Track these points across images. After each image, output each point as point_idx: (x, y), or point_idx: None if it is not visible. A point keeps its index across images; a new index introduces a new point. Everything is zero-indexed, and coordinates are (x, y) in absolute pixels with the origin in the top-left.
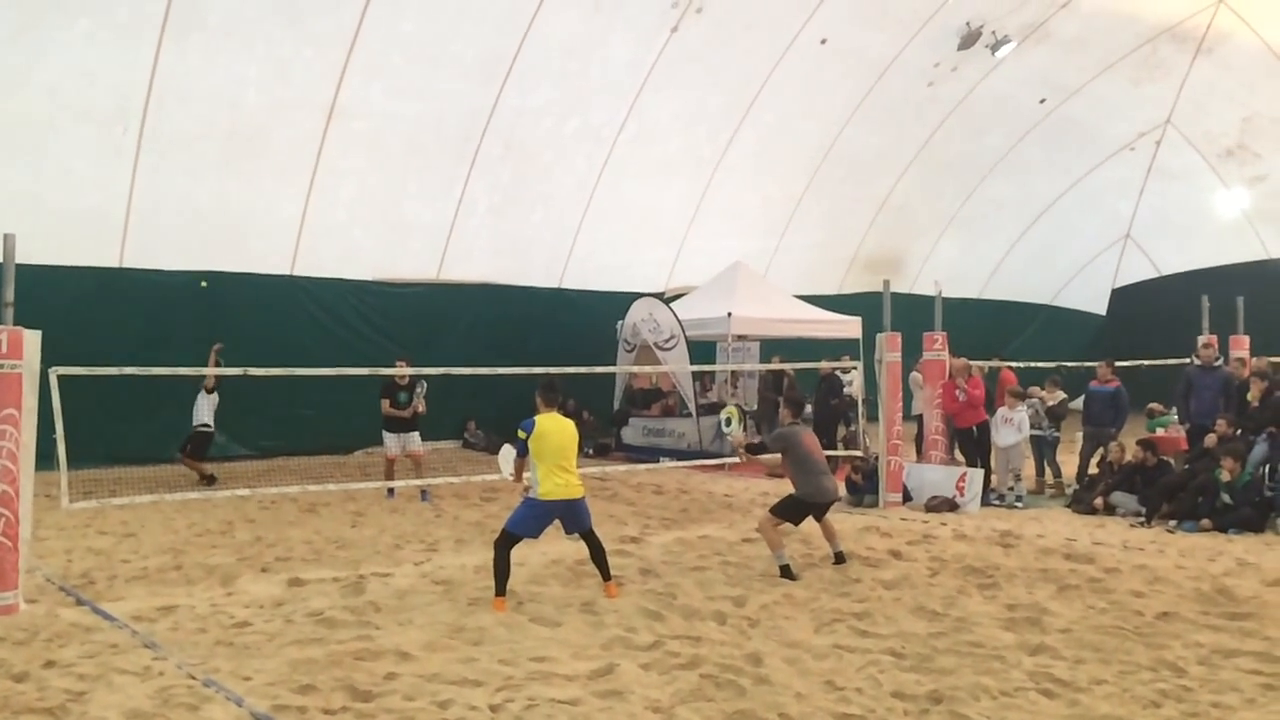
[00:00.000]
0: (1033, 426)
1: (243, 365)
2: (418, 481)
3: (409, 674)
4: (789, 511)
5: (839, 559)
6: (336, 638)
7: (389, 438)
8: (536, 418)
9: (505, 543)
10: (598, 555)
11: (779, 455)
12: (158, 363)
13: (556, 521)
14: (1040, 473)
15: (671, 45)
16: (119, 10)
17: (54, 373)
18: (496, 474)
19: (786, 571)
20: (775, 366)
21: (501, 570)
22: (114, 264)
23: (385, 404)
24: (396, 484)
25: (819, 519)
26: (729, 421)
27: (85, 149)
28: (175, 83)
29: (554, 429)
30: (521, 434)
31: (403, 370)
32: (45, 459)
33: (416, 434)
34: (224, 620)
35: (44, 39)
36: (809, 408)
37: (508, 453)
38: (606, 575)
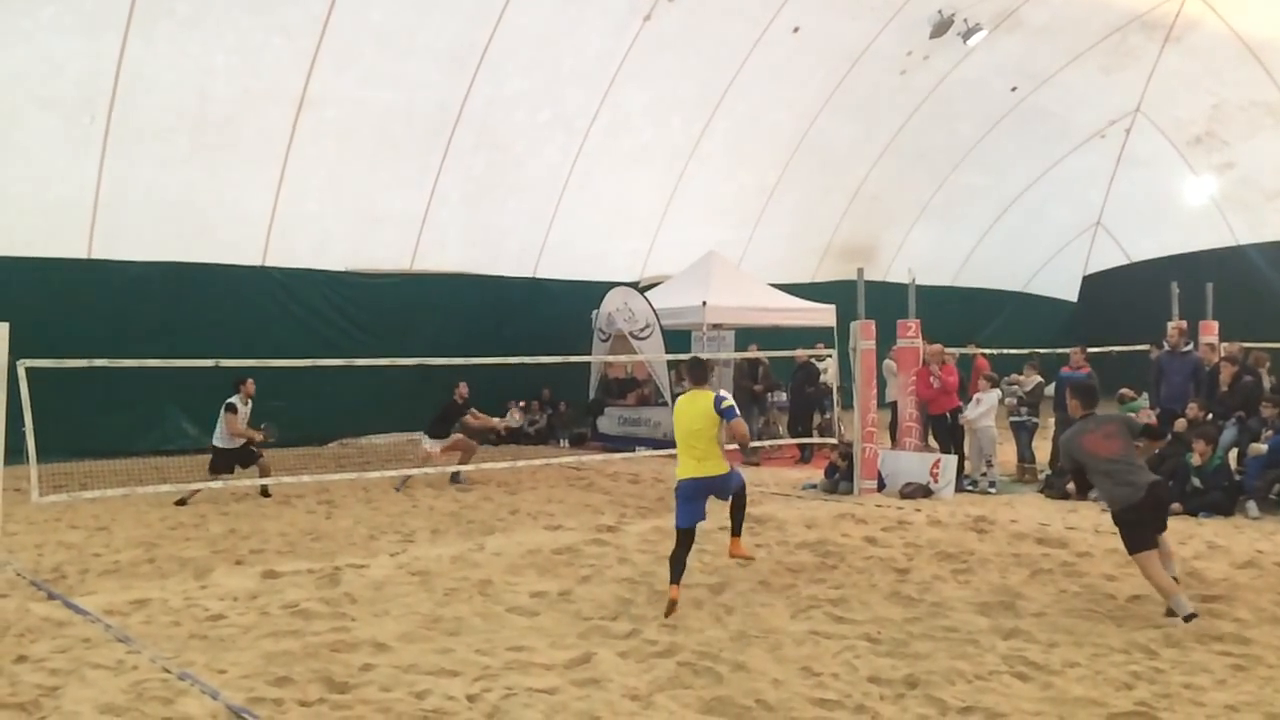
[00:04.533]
0: (1012, 413)
1: (214, 357)
2: (448, 468)
3: (385, 665)
4: None
5: None
6: (312, 630)
7: (429, 441)
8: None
9: (680, 542)
10: (736, 511)
11: None
12: (127, 355)
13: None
14: (1022, 459)
15: (644, 34)
16: None
17: (22, 365)
18: (471, 466)
19: None
20: (750, 355)
21: (676, 565)
22: (82, 255)
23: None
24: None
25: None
26: None
27: (52, 139)
28: (143, 71)
29: (681, 409)
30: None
31: (462, 391)
32: (15, 453)
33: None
34: (198, 613)
35: (8, 27)
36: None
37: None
38: (736, 531)
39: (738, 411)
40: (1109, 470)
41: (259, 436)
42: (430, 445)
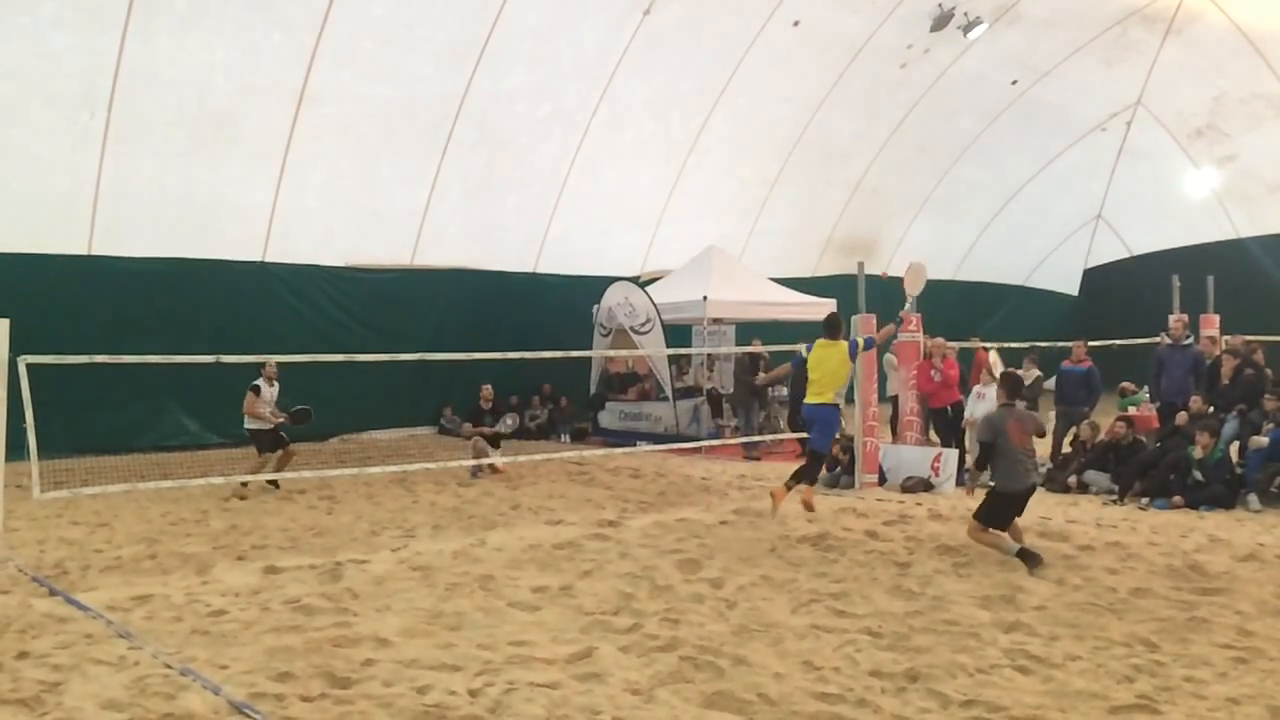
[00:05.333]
0: None
1: (215, 353)
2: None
3: (387, 660)
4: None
5: None
6: (314, 625)
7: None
8: (816, 343)
9: (814, 460)
10: (808, 467)
11: None
12: (128, 351)
13: None
14: None
15: (644, 28)
16: None
17: (23, 361)
18: (474, 461)
19: None
20: (751, 349)
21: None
22: (82, 251)
23: (468, 426)
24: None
25: None
26: None
27: (52, 134)
28: (143, 66)
29: (822, 354)
30: (804, 353)
31: (486, 394)
32: (16, 449)
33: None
34: (200, 609)
35: (7, 23)
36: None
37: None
38: (795, 481)
39: (865, 341)
40: (1016, 458)
41: (272, 419)
42: (494, 454)
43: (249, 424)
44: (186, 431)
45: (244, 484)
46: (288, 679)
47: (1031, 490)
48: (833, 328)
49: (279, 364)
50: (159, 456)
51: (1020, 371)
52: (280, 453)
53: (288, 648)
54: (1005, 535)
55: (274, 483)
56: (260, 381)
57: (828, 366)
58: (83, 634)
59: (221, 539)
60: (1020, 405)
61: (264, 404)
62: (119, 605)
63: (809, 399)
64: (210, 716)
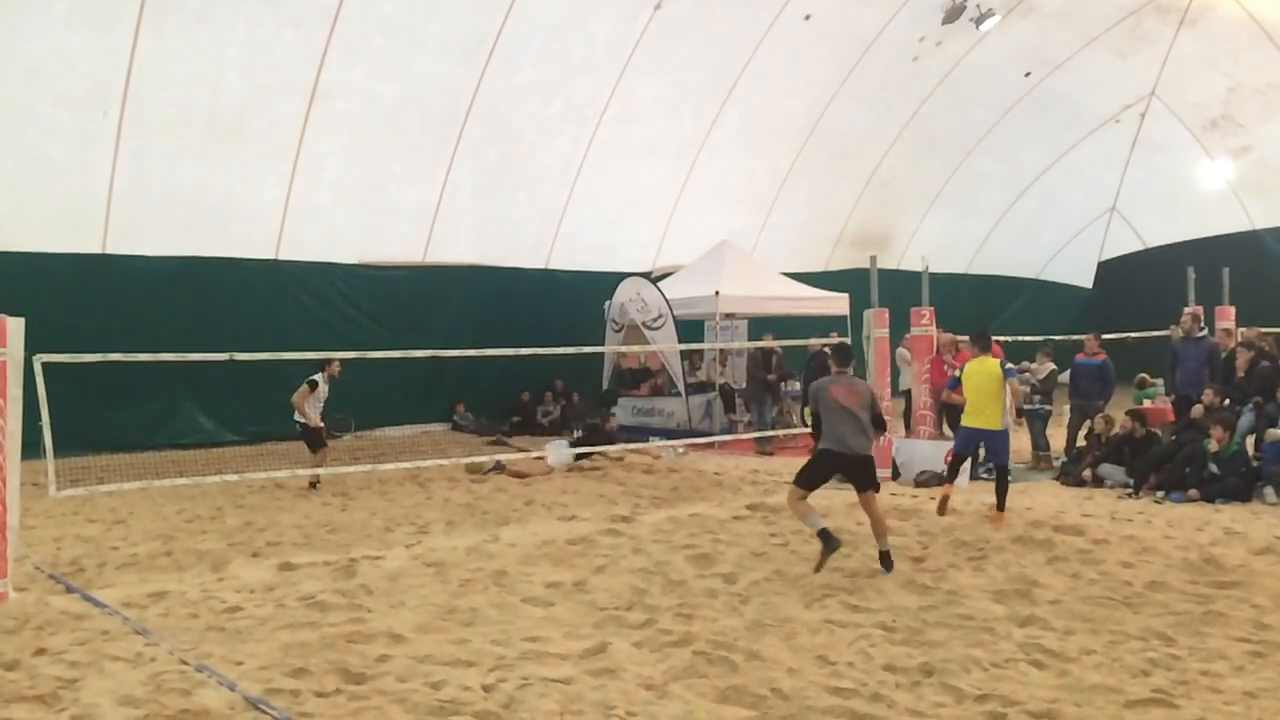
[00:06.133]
0: (1026, 400)
1: (229, 350)
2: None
3: (401, 656)
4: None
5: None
6: (328, 621)
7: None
8: (969, 363)
9: (955, 462)
10: (999, 486)
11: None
12: (142, 349)
13: None
14: (1036, 447)
15: (655, 23)
16: None
17: (38, 360)
18: (484, 456)
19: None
20: (764, 344)
21: (952, 468)
22: (96, 250)
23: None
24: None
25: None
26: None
27: (65, 134)
28: (155, 66)
29: (978, 371)
30: (956, 372)
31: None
32: (32, 447)
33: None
34: (215, 605)
35: (21, 23)
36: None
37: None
38: (1000, 506)
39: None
40: (841, 415)
41: (311, 420)
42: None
43: (298, 417)
44: (201, 429)
45: (313, 484)
46: (303, 675)
47: (859, 460)
48: (981, 341)
49: (291, 361)
50: (174, 454)
51: (1034, 365)
52: (318, 453)
53: (303, 644)
54: (813, 508)
55: (315, 481)
56: (319, 376)
57: (974, 384)
58: (99, 631)
59: (236, 536)
60: (850, 373)
61: (315, 400)
62: (135, 602)
63: (969, 423)
64: (226, 712)
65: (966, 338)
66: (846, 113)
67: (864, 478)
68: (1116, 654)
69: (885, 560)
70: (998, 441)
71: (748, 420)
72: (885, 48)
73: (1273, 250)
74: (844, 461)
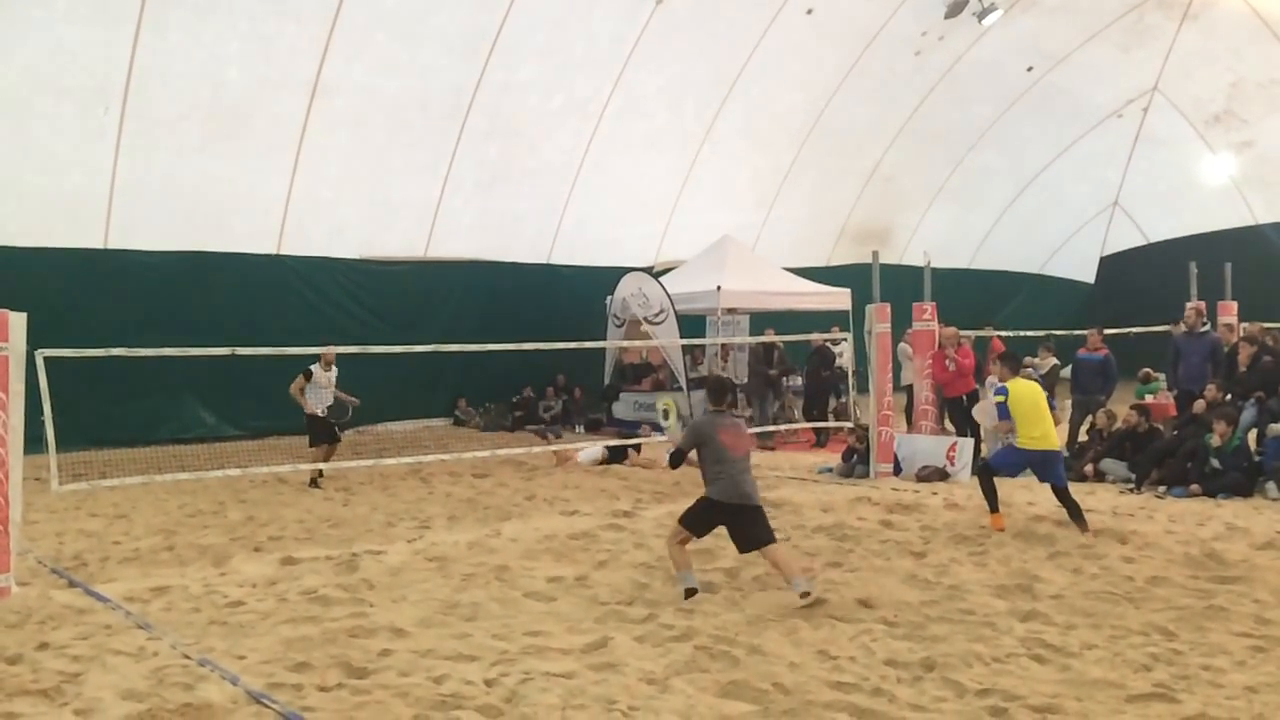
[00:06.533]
0: None
1: (231, 345)
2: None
3: (403, 650)
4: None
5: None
6: (330, 615)
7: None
8: (1008, 384)
9: (986, 473)
10: (1071, 510)
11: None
12: (144, 344)
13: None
14: None
15: (656, 18)
16: None
17: (40, 355)
18: (487, 451)
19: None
20: (765, 339)
21: (989, 490)
22: (98, 245)
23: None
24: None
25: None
26: (666, 414)
27: (67, 129)
28: (157, 61)
29: (1025, 392)
30: (999, 397)
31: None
32: (34, 442)
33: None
34: (218, 600)
35: (22, 17)
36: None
37: (989, 408)
38: (1082, 526)
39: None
40: (738, 465)
41: (309, 408)
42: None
43: (307, 410)
44: (203, 424)
45: (314, 482)
46: (305, 669)
47: (754, 511)
48: (1012, 363)
49: (293, 356)
50: (176, 449)
51: (1036, 359)
52: (327, 446)
53: (305, 638)
54: (688, 556)
55: (315, 477)
56: (315, 365)
57: (1029, 401)
58: (102, 625)
59: (239, 530)
60: (726, 410)
61: (313, 387)
62: (137, 596)
63: (1032, 445)
64: (228, 707)
65: (956, 331)
66: (849, 107)
67: (758, 529)
68: (1118, 649)
69: (806, 598)
70: (1056, 459)
71: (749, 415)
72: (888, 42)
73: (1275, 245)
74: (740, 514)
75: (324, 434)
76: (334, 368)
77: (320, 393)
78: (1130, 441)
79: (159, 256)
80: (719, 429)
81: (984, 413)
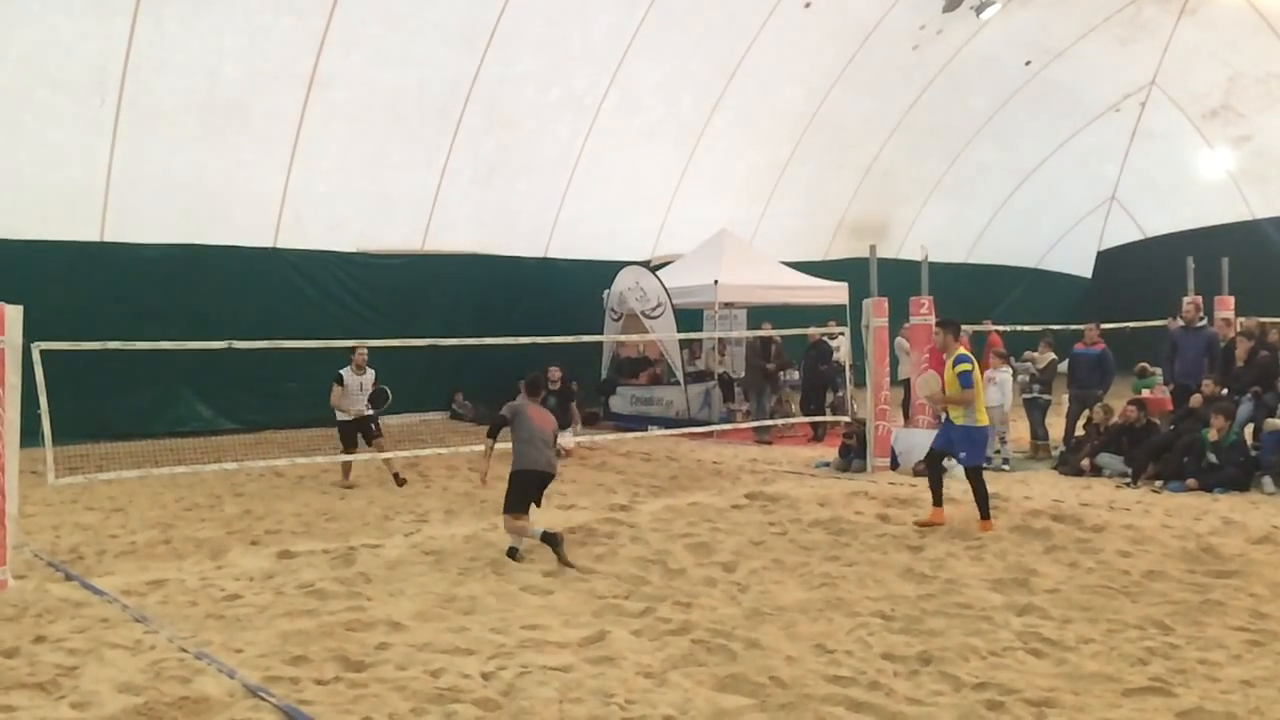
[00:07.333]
0: (1025, 390)
1: (227, 338)
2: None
3: (401, 644)
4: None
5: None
6: (327, 609)
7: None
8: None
9: (936, 459)
10: (977, 494)
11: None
12: (141, 337)
13: None
14: (1035, 436)
15: (654, 11)
16: None
17: (37, 348)
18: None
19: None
20: (763, 333)
21: (936, 481)
22: (95, 238)
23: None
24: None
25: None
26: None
27: (62, 122)
28: (153, 53)
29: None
30: (963, 365)
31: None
32: (30, 435)
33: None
34: (214, 593)
35: (18, 9)
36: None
37: (929, 379)
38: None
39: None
40: (542, 439)
41: (353, 413)
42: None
43: (341, 415)
44: (200, 417)
45: (397, 478)
46: (302, 662)
47: (546, 477)
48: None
49: (290, 350)
50: (172, 442)
51: (1034, 354)
52: (371, 445)
53: (302, 632)
54: (529, 521)
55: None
56: (345, 370)
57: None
58: (98, 618)
59: (235, 524)
60: (539, 403)
61: (349, 394)
62: (134, 590)
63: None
64: (225, 700)
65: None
66: (846, 101)
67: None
68: (1114, 643)
69: (552, 540)
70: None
71: (746, 409)
72: (885, 36)
73: (1272, 240)
74: (544, 481)
75: (351, 438)
76: (368, 370)
77: (353, 397)
78: (1127, 436)
79: (155, 249)
80: (530, 410)
81: (926, 385)
